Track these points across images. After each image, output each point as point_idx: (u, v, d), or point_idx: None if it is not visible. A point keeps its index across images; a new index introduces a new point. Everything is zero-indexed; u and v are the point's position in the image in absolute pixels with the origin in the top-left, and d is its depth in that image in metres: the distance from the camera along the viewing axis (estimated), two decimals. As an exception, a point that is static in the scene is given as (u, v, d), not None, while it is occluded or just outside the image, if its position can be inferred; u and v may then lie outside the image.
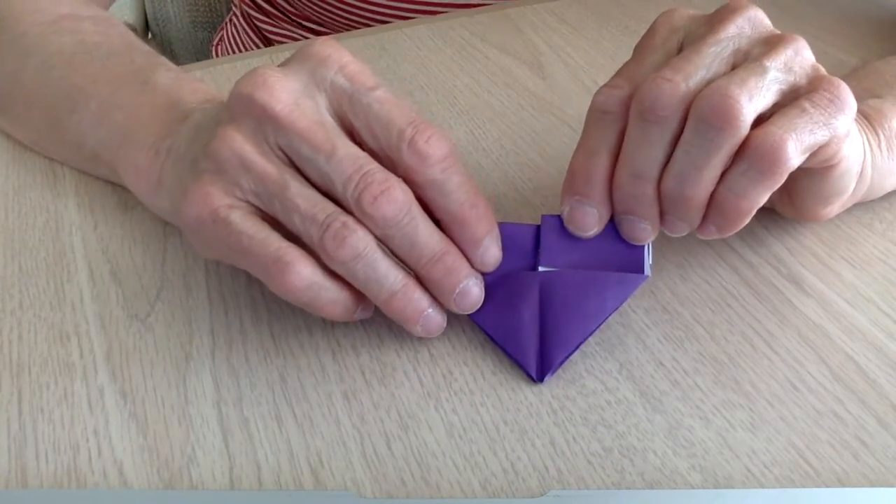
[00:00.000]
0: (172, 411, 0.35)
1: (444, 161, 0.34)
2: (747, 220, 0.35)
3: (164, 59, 0.47)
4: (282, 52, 0.59)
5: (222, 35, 0.85)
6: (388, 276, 0.34)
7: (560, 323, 0.36)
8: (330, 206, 0.33)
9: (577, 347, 0.36)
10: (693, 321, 0.38)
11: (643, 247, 0.37)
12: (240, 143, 0.33)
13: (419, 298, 0.35)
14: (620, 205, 0.36)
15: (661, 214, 0.36)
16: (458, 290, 0.35)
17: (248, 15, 0.79)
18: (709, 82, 0.34)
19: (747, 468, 0.32)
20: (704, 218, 0.35)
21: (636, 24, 0.61)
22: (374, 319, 0.39)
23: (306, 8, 0.72)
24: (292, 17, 0.74)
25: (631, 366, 0.36)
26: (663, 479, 0.32)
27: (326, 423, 0.34)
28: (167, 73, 0.45)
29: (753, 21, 0.36)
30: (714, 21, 0.36)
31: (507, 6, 0.64)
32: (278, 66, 0.35)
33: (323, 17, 0.72)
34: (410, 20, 0.64)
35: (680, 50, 0.36)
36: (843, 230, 0.43)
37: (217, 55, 0.85)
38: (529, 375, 0.36)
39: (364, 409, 0.35)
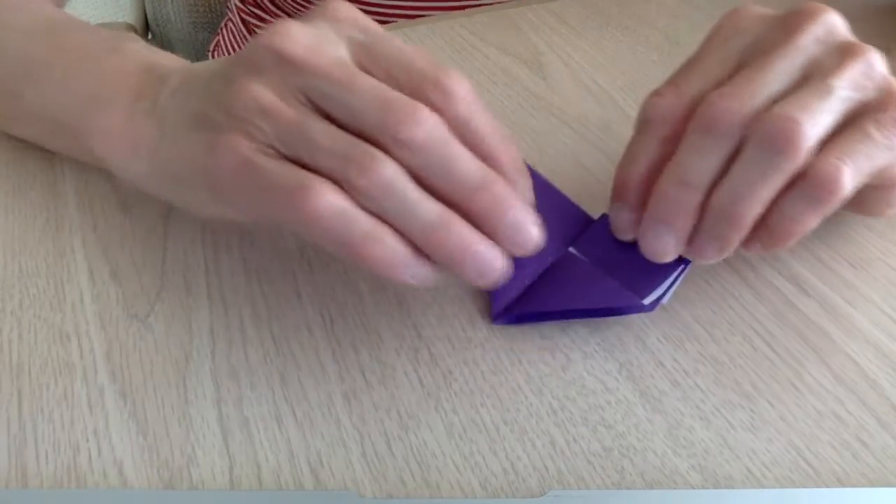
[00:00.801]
0: (172, 411, 0.35)
1: (469, 96, 0.32)
2: (796, 241, 0.34)
3: (132, 34, 0.46)
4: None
5: (218, 41, 0.85)
6: (421, 205, 0.31)
7: (541, 286, 0.37)
8: (353, 139, 0.31)
9: (537, 317, 0.37)
10: (693, 321, 0.38)
11: (665, 276, 0.36)
12: (258, 92, 0.32)
13: (463, 231, 0.31)
14: (656, 212, 0.35)
15: (695, 232, 0.34)
16: (509, 221, 0.31)
17: (246, 22, 0.79)
18: (776, 100, 0.33)
19: (747, 468, 0.32)
20: (752, 235, 0.34)
21: (636, 24, 0.61)
22: (374, 319, 0.39)
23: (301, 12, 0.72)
24: None
25: (631, 366, 0.36)
26: (663, 479, 0.32)
27: (326, 423, 0.34)
28: (136, 43, 0.44)
29: (829, 28, 0.35)
30: (787, 27, 0.35)
31: (507, 6, 0.64)
32: (290, 21, 0.34)
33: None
34: (411, 21, 0.64)
35: (743, 55, 0.36)
36: (843, 230, 0.43)
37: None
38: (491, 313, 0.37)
39: (364, 409, 0.35)
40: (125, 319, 0.39)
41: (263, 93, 0.32)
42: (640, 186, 0.36)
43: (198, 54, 0.93)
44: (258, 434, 0.34)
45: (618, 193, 0.37)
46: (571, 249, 0.38)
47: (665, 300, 0.36)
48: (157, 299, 0.40)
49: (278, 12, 0.75)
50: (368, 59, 0.33)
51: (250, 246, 0.43)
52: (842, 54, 0.34)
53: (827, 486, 0.32)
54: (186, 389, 0.36)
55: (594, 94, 0.53)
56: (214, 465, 0.33)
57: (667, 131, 0.35)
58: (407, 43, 0.54)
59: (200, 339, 0.38)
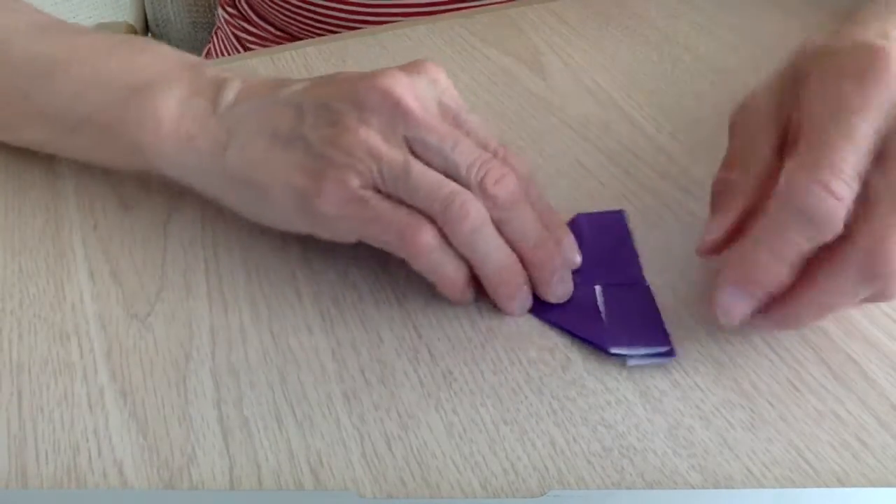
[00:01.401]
0: (172, 411, 0.35)
1: (528, 174, 0.39)
2: None
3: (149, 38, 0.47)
4: (280, 52, 0.59)
5: (209, 48, 0.85)
6: (501, 249, 0.37)
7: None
8: (452, 184, 0.36)
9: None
10: (693, 321, 0.38)
11: (645, 347, 0.37)
12: (370, 137, 0.36)
13: (521, 274, 0.38)
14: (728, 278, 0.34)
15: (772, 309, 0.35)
16: (558, 275, 0.38)
17: (237, 35, 0.79)
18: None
19: (747, 468, 0.32)
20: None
21: (636, 24, 0.61)
22: (374, 319, 0.39)
23: (278, 17, 0.72)
24: (272, 33, 0.75)
25: (631, 366, 0.36)
26: (663, 479, 0.32)
27: (326, 423, 0.34)
28: (160, 44, 0.45)
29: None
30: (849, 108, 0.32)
31: (507, 6, 0.64)
32: (398, 71, 0.38)
33: (288, 23, 0.72)
34: (410, 20, 0.64)
35: (884, 143, 0.32)
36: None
37: None
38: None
39: (364, 409, 0.35)
40: (125, 319, 0.39)
41: (373, 136, 0.37)
42: (775, 289, 0.34)
43: (197, 54, 0.93)
44: (258, 434, 0.34)
45: (747, 282, 0.34)
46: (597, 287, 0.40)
47: (630, 363, 0.36)
48: (157, 299, 0.40)
49: (264, 24, 0.76)
50: (454, 124, 0.39)
51: (250, 246, 0.43)
52: None
53: (827, 486, 0.32)
54: (186, 389, 0.36)
55: (594, 94, 0.53)
56: (214, 465, 0.33)
57: (822, 237, 0.32)
58: (407, 42, 0.54)
59: (200, 338, 0.38)
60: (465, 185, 0.36)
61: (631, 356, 0.36)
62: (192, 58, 0.44)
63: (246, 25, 0.77)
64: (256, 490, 0.32)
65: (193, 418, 0.35)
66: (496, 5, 0.65)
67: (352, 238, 0.38)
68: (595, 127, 0.50)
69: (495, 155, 0.38)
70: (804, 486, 0.32)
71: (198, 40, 0.93)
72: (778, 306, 0.34)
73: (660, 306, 0.39)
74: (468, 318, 0.39)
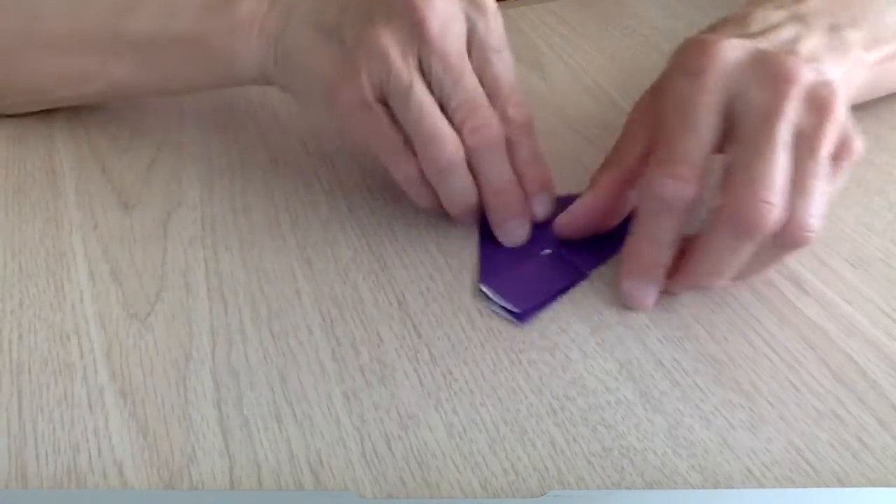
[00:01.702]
0: (172, 411, 0.35)
1: (528, 125, 0.42)
2: None
3: None
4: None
5: None
6: (465, 191, 0.41)
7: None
8: (438, 123, 0.39)
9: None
10: (693, 321, 0.38)
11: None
12: (389, 42, 0.39)
13: (478, 215, 0.42)
14: (678, 284, 0.39)
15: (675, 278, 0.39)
16: (510, 224, 0.42)
17: None
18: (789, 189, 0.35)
19: (747, 468, 0.32)
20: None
21: (636, 24, 0.61)
22: (374, 319, 0.39)
23: None
24: None
25: (631, 366, 0.36)
26: (663, 479, 0.32)
27: (326, 423, 0.34)
28: None
29: (805, 94, 0.35)
30: (772, 97, 0.35)
31: (507, 6, 0.64)
32: None
33: None
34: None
35: (732, 118, 0.36)
36: (843, 230, 0.43)
37: None
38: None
39: (364, 409, 0.35)
40: (125, 319, 0.39)
41: (390, 41, 0.39)
42: (665, 266, 0.38)
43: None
44: (258, 434, 0.34)
45: (643, 273, 0.38)
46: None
47: (489, 305, 0.40)
48: (157, 299, 0.40)
49: None
50: (477, 52, 0.41)
51: (250, 246, 0.43)
52: (819, 116, 0.35)
53: (827, 486, 0.32)
54: (186, 389, 0.36)
55: (594, 94, 0.53)
56: (214, 465, 0.33)
57: (685, 217, 0.36)
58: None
59: (200, 338, 0.38)
60: (451, 117, 0.40)
61: (491, 300, 0.39)
62: None
63: None
64: (256, 490, 0.32)
65: (193, 418, 0.35)
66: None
67: (358, 140, 0.42)
68: (595, 127, 0.50)
69: (499, 98, 0.41)
70: (804, 486, 0.32)
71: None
72: (682, 274, 0.38)
73: (659, 306, 0.39)
74: (468, 318, 0.39)
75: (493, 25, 0.41)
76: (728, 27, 0.39)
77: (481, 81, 0.41)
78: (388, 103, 0.40)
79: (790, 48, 0.37)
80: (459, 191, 0.41)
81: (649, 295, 0.38)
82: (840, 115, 0.36)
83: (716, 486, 0.32)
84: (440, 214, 0.43)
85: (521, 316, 0.38)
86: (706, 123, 0.36)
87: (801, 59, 0.36)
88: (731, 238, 0.35)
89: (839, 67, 0.38)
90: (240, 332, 0.38)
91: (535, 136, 0.42)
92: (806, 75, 0.35)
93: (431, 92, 0.40)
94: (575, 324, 0.38)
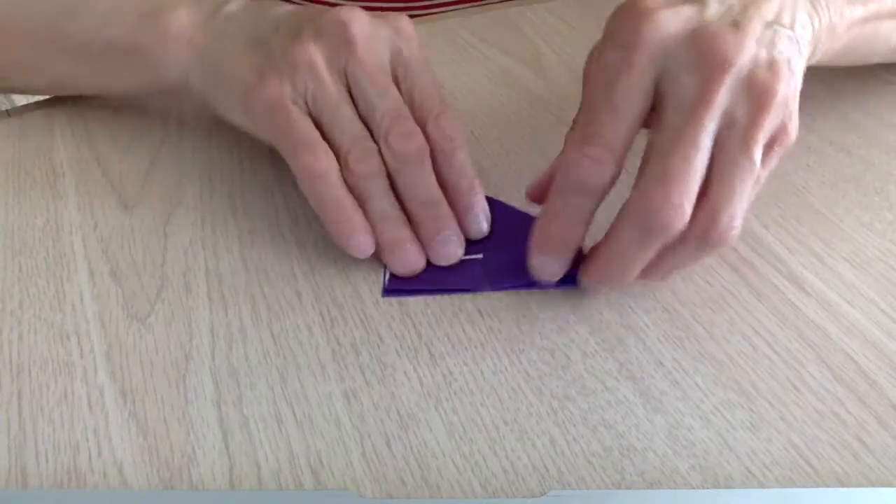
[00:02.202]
0: (172, 411, 0.35)
1: (457, 139, 0.41)
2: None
3: None
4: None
5: None
6: (385, 201, 0.40)
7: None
8: (364, 132, 0.40)
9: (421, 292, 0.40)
10: (693, 321, 0.38)
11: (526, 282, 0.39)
12: (317, 56, 0.40)
13: (405, 232, 0.40)
14: (586, 278, 0.38)
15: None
16: (440, 237, 0.40)
17: None
18: (705, 185, 0.34)
19: (747, 468, 0.32)
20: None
21: (636, 24, 0.61)
22: (374, 319, 0.39)
23: None
24: None
25: (631, 366, 0.36)
26: (663, 479, 0.32)
27: (326, 423, 0.34)
28: None
29: (744, 77, 0.33)
30: (702, 83, 0.33)
31: (507, 6, 0.64)
32: (365, 12, 0.42)
33: None
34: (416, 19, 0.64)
35: (659, 97, 0.34)
36: (843, 230, 0.43)
37: None
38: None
39: (364, 409, 0.35)
40: (125, 319, 0.39)
41: (318, 55, 0.40)
42: (575, 246, 0.37)
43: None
44: (258, 434, 0.34)
45: (554, 249, 0.37)
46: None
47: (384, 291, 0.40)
48: (157, 299, 0.40)
49: None
50: (402, 76, 0.42)
51: (250, 246, 0.43)
52: (757, 104, 0.33)
53: (827, 486, 0.32)
54: (186, 389, 0.36)
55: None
56: (214, 465, 0.33)
57: (600, 197, 0.36)
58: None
59: (200, 338, 0.38)
60: (374, 129, 0.40)
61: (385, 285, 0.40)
62: None
63: None
64: (256, 490, 0.32)
65: (193, 418, 0.35)
66: (495, 5, 0.65)
67: (269, 140, 0.41)
68: (595, 127, 0.50)
69: (430, 115, 0.41)
70: (804, 486, 0.32)
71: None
72: (589, 267, 0.37)
73: (659, 306, 0.39)
74: (468, 318, 0.39)
75: (417, 51, 0.42)
76: None
77: (409, 100, 0.41)
78: (312, 113, 0.40)
79: (740, 17, 0.34)
80: (377, 198, 0.40)
81: (557, 271, 0.38)
82: (781, 101, 0.33)
83: (716, 486, 0.32)
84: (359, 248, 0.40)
85: (386, 291, 0.40)
86: (630, 103, 0.34)
87: (746, 34, 0.33)
88: (637, 235, 0.34)
89: (804, 30, 0.36)
90: (240, 332, 0.38)
91: (466, 148, 0.41)
92: (745, 57, 0.33)
93: (357, 106, 0.41)
94: (575, 324, 0.38)
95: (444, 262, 0.41)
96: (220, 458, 0.33)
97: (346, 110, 0.40)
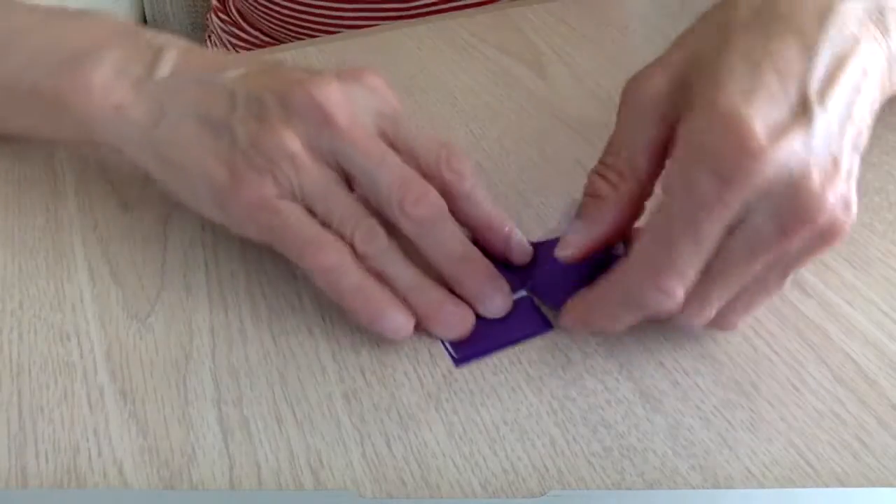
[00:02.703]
0: (172, 411, 0.35)
1: (472, 176, 0.39)
2: None
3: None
4: (281, 51, 0.59)
5: None
6: (407, 270, 0.37)
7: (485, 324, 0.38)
8: (364, 212, 0.37)
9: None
10: (693, 321, 0.38)
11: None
12: (292, 141, 0.36)
13: (438, 294, 0.37)
14: (570, 316, 0.37)
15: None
16: (487, 291, 0.38)
17: (229, 42, 0.79)
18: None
19: (747, 468, 0.32)
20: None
21: (636, 24, 0.61)
22: (374, 319, 0.39)
23: (267, 24, 0.72)
24: (262, 40, 0.75)
25: (631, 366, 0.36)
26: (663, 479, 0.32)
27: (326, 423, 0.34)
28: (100, 12, 0.45)
29: (822, 228, 0.31)
30: (780, 231, 0.31)
31: (507, 6, 0.64)
32: (333, 77, 0.38)
33: (278, 30, 0.72)
34: (411, 20, 0.65)
35: (731, 239, 0.32)
36: (843, 230, 0.43)
37: None
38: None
39: (364, 409, 0.35)
40: (125, 319, 0.39)
41: (296, 143, 0.37)
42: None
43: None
44: (258, 434, 0.34)
45: (585, 327, 0.37)
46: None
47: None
48: (157, 299, 0.40)
49: (254, 31, 0.76)
50: (392, 133, 0.38)
51: (250, 246, 0.43)
52: (819, 244, 0.32)
53: (827, 486, 0.32)
54: (186, 389, 0.36)
55: (594, 94, 0.53)
56: (214, 465, 0.33)
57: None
58: (408, 42, 0.54)
59: (200, 338, 0.38)
60: (385, 203, 0.36)
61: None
62: (130, 24, 0.44)
63: (237, 32, 0.78)
64: (256, 490, 0.32)
65: (193, 418, 0.35)
66: (495, 5, 0.65)
67: (259, 240, 0.38)
68: (595, 127, 0.50)
69: (438, 161, 0.38)
70: (804, 486, 0.32)
71: (196, 39, 0.93)
72: (575, 308, 0.36)
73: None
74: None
75: (391, 101, 0.40)
76: (770, 93, 0.31)
77: (410, 157, 0.38)
78: (303, 204, 0.37)
79: (837, 143, 0.31)
80: (402, 270, 0.37)
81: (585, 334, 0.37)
82: (845, 237, 0.32)
83: (716, 486, 0.32)
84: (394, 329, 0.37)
85: (457, 361, 0.36)
86: (714, 238, 0.31)
87: (838, 181, 0.31)
88: (625, 304, 0.34)
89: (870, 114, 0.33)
90: (240, 332, 0.38)
91: (483, 185, 0.39)
92: (827, 214, 0.31)
93: (353, 189, 0.37)
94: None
95: (497, 315, 0.38)
96: (220, 458, 0.33)
97: (339, 193, 0.37)
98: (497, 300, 0.38)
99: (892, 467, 0.32)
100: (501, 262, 0.39)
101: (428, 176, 0.37)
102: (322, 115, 0.36)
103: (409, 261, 0.37)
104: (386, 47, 0.59)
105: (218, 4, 0.81)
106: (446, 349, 0.37)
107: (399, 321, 0.36)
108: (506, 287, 0.38)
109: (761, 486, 0.32)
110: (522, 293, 0.39)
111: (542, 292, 0.39)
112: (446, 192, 0.38)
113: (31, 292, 0.41)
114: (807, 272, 0.40)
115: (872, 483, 0.32)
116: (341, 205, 0.37)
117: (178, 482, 0.33)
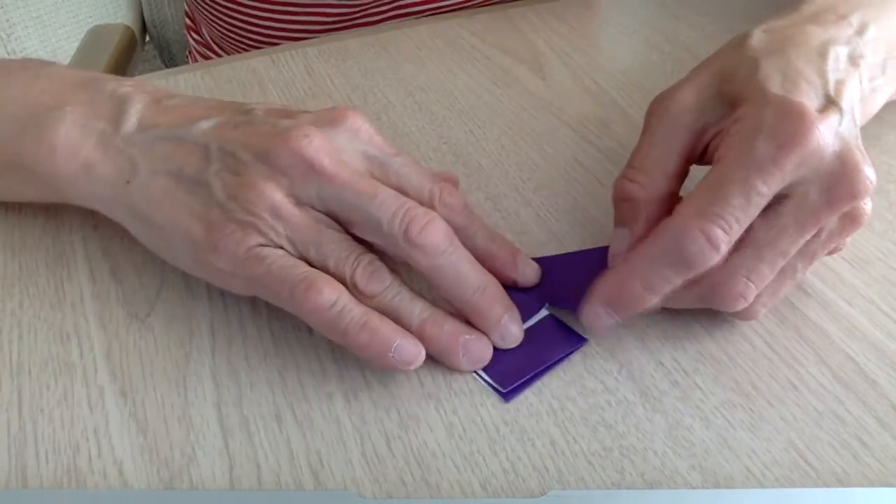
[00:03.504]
0: (172, 411, 0.35)
1: (465, 207, 0.38)
2: None
3: (45, 60, 0.45)
4: (280, 52, 0.59)
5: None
6: (416, 303, 0.36)
7: (523, 351, 0.37)
8: (360, 248, 0.36)
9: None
10: (693, 321, 0.38)
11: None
12: (275, 196, 0.35)
13: (453, 325, 0.36)
14: (598, 296, 0.36)
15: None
16: (504, 320, 0.37)
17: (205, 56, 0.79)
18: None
19: (747, 468, 0.32)
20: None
21: (636, 24, 0.61)
22: (374, 319, 0.39)
23: (236, 50, 0.72)
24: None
25: (631, 366, 0.36)
26: (663, 479, 0.32)
27: (326, 423, 0.34)
28: (56, 64, 0.43)
29: (857, 206, 0.35)
30: (827, 203, 0.34)
31: (507, 6, 0.64)
32: (310, 124, 0.37)
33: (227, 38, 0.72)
34: (409, 20, 0.65)
35: (781, 205, 0.34)
36: (842, 230, 0.43)
37: None
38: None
39: (364, 409, 0.35)
40: (125, 319, 0.39)
41: (280, 197, 0.35)
42: (639, 312, 0.36)
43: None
44: (258, 434, 0.34)
45: (612, 302, 0.36)
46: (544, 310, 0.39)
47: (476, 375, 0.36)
48: (157, 298, 0.40)
49: (224, 55, 0.76)
50: (381, 174, 0.37)
51: (250, 246, 0.43)
52: (847, 226, 0.36)
53: (827, 486, 0.32)
54: (186, 389, 0.36)
55: (594, 94, 0.53)
56: (214, 465, 0.33)
57: (692, 278, 0.34)
58: (408, 42, 0.54)
59: (200, 338, 0.38)
60: (390, 239, 0.35)
61: (477, 373, 0.36)
62: (89, 74, 0.42)
63: (210, 53, 0.78)
64: (256, 490, 0.32)
65: (193, 418, 0.35)
66: (495, 5, 0.65)
67: (248, 294, 0.37)
68: (595, 127, 0.50)
69: (430, 195, 0.37)
70: (804, 486, 0.32)
71: (197, 40, 0.93)
72: (602, 286, 0.36)
73: (660, 306, 0.39)
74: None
75: (383, 143, 0.38)
76: (806, 93, 0.35)
77: (401, 192, 0.37)
78: (294, 254, 0.35)
79: (856, 132, 0.36)
80: (408, 305, 0.36)
81: (610, 325, 0.36)
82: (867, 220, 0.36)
83: (716, 486, 0.32)
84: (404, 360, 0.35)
85: (507, 396, 0.35)
86: (763, 200, 0.33)
87: (871, 170, 0.35)
88: (670, 262, 0.34)
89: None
90: (240, 331, 0.38)
91: (473, 211, 0.39)
92: (867, 192, 0.35)
93: (348, 231, 0.36)
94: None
95: (511, 345, 0.37)
96: (220, 458, 0.33)
97: (331, 234, 0.35)
98: (513, 330, 0.37)
99: (892, 467, 0.32)
100: (510, 287, 0.38)
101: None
102: (305, 165, 0.35)
103: (416, 294, 0.36)
104: (386, 47, 0.59)
105: (190, 24, 0.81)
106: (489, 385, 0.36)
107: (412, 351, 0.34)
108: (518, 315, 0.37)
109: (761, 486, 0.32)
110: (544, 313, 0.38)
111: (567, 303, 0.38)
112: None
113: (31, 292, 0.41)
114: (807, 272, 0.40)
115: (872, 483, 0.32)
116: (336, 245, 0.35)
117: (178, 482, 0.33)
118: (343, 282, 0.35)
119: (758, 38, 0.38)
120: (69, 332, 0.39)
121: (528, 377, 0.36)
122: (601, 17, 0.63)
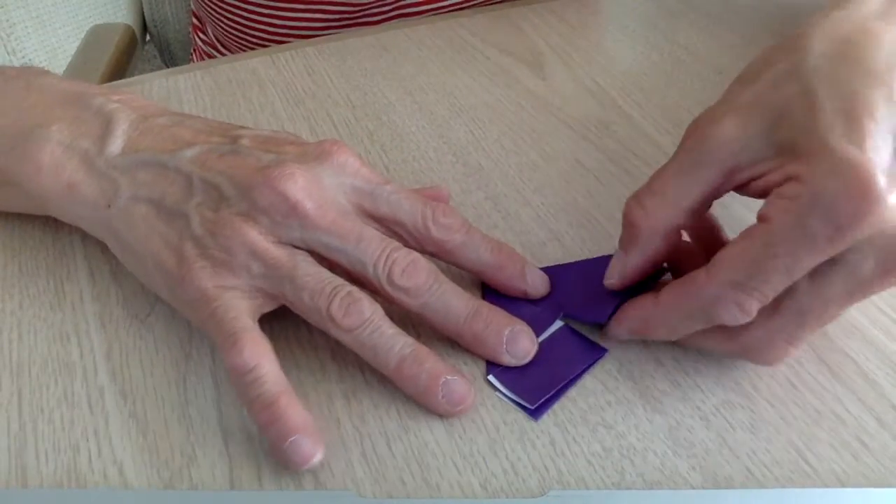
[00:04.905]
0: (172, 411, 0.35)
1: (463, 225, 0.38)
2: None
3: (42, 69, 0.45)
4: (280, 52, 0.59)
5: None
6: (396, 340, 0.35)
7: (545, 367, 0.36)
8: (337, 280, 0.35)
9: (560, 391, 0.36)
10: (693, 321, 0.38)
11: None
12: (255, 237, 0.35)
13: (435, 364, 0.35)
14: (624, 323, 0.36)
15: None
16: (505, 337, 0.36)
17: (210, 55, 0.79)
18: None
19: (747, 468, 0.32)
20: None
21: (636, 24, 0.61)
22: (374, 319, 0.39)
23: (241, 50, 0.72)
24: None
25: (631, 366, 0.36)
26: (663, 480, 0.32)
27: (326, 423, 0.34)
28: (49, 76, 0.43)
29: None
30: (879, 274, 0.31)
31: (507, 6, 0.64)
32: (295, 162, 0.36)
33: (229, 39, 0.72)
34: (410, 20, 0.65)
35: (829, 272, 0.32)
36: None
37: None
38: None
39: (364, 409, 0.35)
40: (125, 319, 0.39)
41: (256, 236, 0.35)
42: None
43: (197, 54, 0.93)
44: (258, 434, 0.34)
45: (640, 333, 0.36)
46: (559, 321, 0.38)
47: (498, 393, 0.36)
48: (157, 299, 0.40)
49: (230, 55, 0.76)
50: (371, 206, 0.37)
51: (250, 246, 0.43)
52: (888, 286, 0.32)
53: (827, 486, 0.32)
54: (186, 389, 0.36)
55: (594, 94, 0.53)
56: (214, 465, 0.33)
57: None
58: (407, 42, 0.54)
59: (200, 338, 0.38)
60: (374, 282, 0.35)
61: (501, 392, 0.36)
62: (79, 88, 0.42)
63: (215, 53, 0.78)
64: (256, 490, 0.32)
65: (193, 418, 0.35)
66: (495, 5, 0.65)
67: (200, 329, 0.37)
68: (595, 127, 0.50)
69: (427, 221, 0.37)
70: (804, 486, 0.32)
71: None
72: (628, 315, 0.36)
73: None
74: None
75: (364, 173, 0.37)
76: (875, 142, 0.30)
77: (396, 225, 0.37)
78: (271, 295, 0.35)
79: None
80: (386, 342, 0.34)
81: (627, 340, 0.37)
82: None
83: (716, 486, 0.32)
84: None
85: (535, 413, 0.34)
86: (807, 270, 0.31)
87: None
88: (700, 318, 0.33)
89: None
90: (240, 332, 0.38)
91: (472, 226, 0.38)
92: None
93: (333, 269, 0.35)
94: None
95: (525, 360, 0.36)
96: (220, 459, 0.33)
97: (306, 265, 0.35)
98: (522, 342, 0.36)
99: (892, 467, 0.32)
100: (520, 299, 0.38)
101: (419, 239, 0.37)
102: (287, 207, 0.35)
103: (398, 330, 0.35)
104: (386, 47, 0.59)
105: (197, 23, 0.81)
106: (516, 403, 0.35)
107: (306, 450, 0.32)
108: (526, 328, 0.36)
109: (761, 486, 0.32)
110: (559, 324, 0.38)
111: (580, 314, 0.38)
112: (442, 249, 0.37)
113: (31, 292, 0.41)
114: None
115: (872, 483, 0.32)
116: (311, 276, 0.34)
117: (178, 482, 0.33)
118: (319, 314, 0.34)
119: (818, 50, 0.32)
120: (69, 333, 0.39)
121: (554, 391, 0.35)
122: (601, 17, 0.63)
